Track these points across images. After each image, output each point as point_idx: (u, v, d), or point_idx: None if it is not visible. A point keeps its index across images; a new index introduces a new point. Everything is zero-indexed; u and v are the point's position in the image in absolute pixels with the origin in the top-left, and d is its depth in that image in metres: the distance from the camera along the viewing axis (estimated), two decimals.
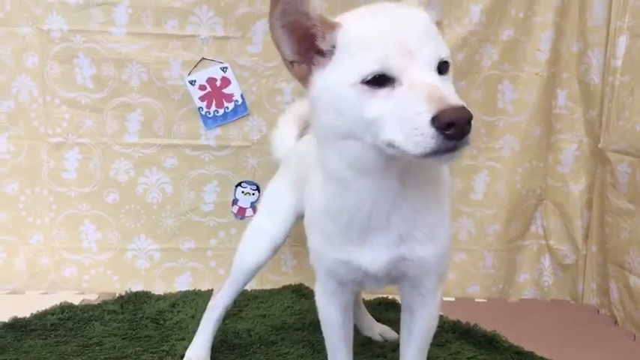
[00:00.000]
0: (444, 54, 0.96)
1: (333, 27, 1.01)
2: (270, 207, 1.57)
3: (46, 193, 2.17)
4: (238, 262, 1.58)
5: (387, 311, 1.93)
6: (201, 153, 2.17)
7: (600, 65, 2.12)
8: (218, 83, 2.14)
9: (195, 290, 2.15)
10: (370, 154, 0.98)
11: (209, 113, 2.15)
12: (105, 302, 1.99)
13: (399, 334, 1.32)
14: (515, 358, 1.67)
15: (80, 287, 2.20)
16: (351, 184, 1.05)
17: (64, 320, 1.82)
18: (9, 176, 2.15)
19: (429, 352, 1.65)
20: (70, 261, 2.21)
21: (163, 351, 1.65)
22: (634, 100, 1.94)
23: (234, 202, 2.22)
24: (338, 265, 1.16)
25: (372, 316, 1.85)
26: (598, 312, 2.17)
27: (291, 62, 1.04)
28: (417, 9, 1.02)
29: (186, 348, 1.61)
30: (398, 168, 1.01)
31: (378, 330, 1.80)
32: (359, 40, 0.97)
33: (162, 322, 1.86)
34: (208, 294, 1.72)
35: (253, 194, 2.20)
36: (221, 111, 2.15)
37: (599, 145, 2.11)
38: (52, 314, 1.86)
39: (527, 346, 1.72)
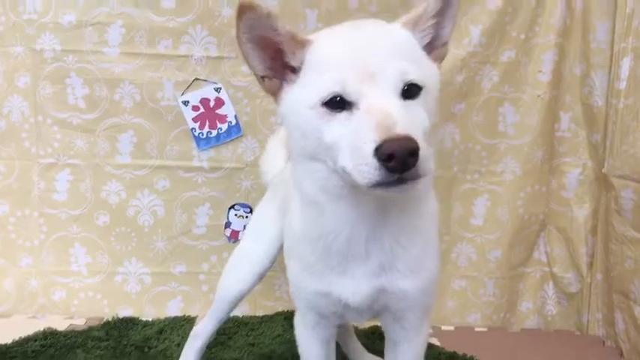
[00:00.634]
0: (413, 76, 0.91)
1: (302, 44, 0.97)
2: (256, 232, 1.53)
3: (36, 214, 2.14)
4: (221, 289, 1.53)
5: (381, 341, 1.83)
6: (194, 175, 2.14)
7: (604, 87, 2.07)
8: (212, 104, 2.10)
9: (184, 316, 2.10)
10: (335, 178, 0.94)
11: (202, 134, 2.12)
12: (90, 328, 1.95)
13: None
14: None
15: (69, 311, 2.16)
16: (326, 208, 1.01)
17: (46, 347, 1.78)
18: None
19: None
20: (59, 284, 2.17)
21: None
22: (638, 124, 1.87)
23: (227, 225, 2.17)
24: (318, 296, 1.11)
25: (365, 345, 1.78)
26: (604, 344, 2.09)
27: (262, 77, 1.01)
28: (396, 27, 0.98)
29: None
30: (374, 195, 0.96)
31: None
32: (323, 60, 0.94)
33: (146, 349, 1.81)
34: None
35: (246, 217, 2.15)
36: (214, 132, 2.12)
37: (603, 170, 2.04)
38: (35, 340, 1.82)
39: None
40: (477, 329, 2.20)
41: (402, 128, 0.82)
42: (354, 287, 1.06)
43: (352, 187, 0.94)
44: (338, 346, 1.49)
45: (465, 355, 1.81)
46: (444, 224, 2.18)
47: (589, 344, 2.09)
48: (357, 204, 0.98)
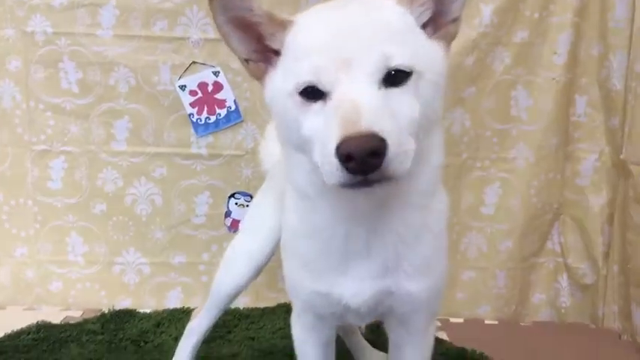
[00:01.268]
0: (398, 61, 0.81)
1: (282, 25, 0.90)
2: (253, 224, 1.46)
3: (31, 203, 2.09)
4: (217, 284, 1.46)
5: (386, 336, 1.79)
6: (193, 162, 2.08)
7: (622, 70, 1.98)
8: (210, 88, 2.04)
9: (183, 308, 2.05)
10: (318, 172, 0.85)
11: (200, 120, 2.05)
12: (85, 321, 1.90)
13: None
14: None
15: (66, 302, 2.12)
16: (318, 202, 0.93)
17: (39, 341, 1.73)
18: None
19: None
20: (55, 275, 2.13)
21: None
22: None
23: (228, 214, 2.11)
24: (316, 297, 1.03)
25: (370, 341, 1.71)
26: (620, 337, 2.02)
27: (246, 60, 0.95)
28: (389, 4, 0.88)
29: None
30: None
31: (378, 359, 1.65)
32: (300, 45, 0.86)
33: (142, 344, 1.76)
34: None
35: (247, 206, 2.08)
36: (213, 118, 2.06)
37: (621, 157, 1.96)
38: (28, 334, 1.77)
39: None
40: (486, 322, 2.15)
41: (366, 124, 0.73)
42: (355, 288, 0.98)
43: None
44: (341, 341, 1.43)
45: (474, 351, 1.74)
46: (454, 213, 2.11)
47: (604, 338, 2.03)
48: (352, 199, 0.90)
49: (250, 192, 2.07)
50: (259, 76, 0.95)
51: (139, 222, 2.11)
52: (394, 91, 0.80)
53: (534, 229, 2.14)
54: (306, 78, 0.82)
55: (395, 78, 0.81)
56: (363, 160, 0.73)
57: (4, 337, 1.74)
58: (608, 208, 2.06)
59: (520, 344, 1.95)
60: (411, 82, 0.82)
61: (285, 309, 1.99)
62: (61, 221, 2.10)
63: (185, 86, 2.03)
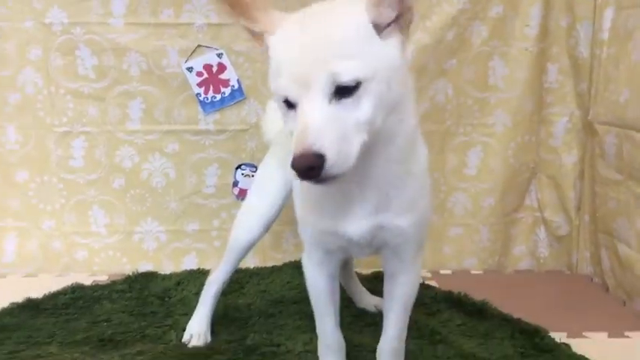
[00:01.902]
0: (345, 78, 0.96)
1: (265, 28, 1.06)
2: (261, 187, 1.64)
3: (55, 180, 2.26)
4: (232, 240, 1.66)
5: (381, 283, 1.99)
6: (201, 137, 2.25)
7: (588, 38, 2.15)
8: (214, 69, 2.20)
9: (199, 269, 2.23)
10: None
11: (207, 99, 2.22)
12: (114, 282, 2.09)
13: None
14: (503, 324, 1.74)
15: (91, 269, 2.29)
16: None
17: (75, 299, 1.92)
18: (19, 165, 2.24)
19: (421, 320, 1.75)
20: (80, 244, 2.30)
21: (167, 325, 1.74)
22: (619, 73, 1.97)
23: (235, 184, 2.29)
24: (324, 234, 1.22)
25: (368, 288, 1.92)
26: (592, 280, 2.22)
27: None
28: (352, 12, 1.01)
29: (188, 322, 1.70)
30: None
31: (373, 302, 1.87)
32: (276, 60, 1.03)
33: (167, 299, 1.95)
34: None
35: (253, 176, 2.25)
36: (218, 96, 2.22)
37: (589, 118, 2.15)
38: (64, 294, 1.96)
39: (519, 315, 1.78)
40: (472, 272, 2.34)
41: (308, 144, 0.92)
42: (355, 225, 1.17)
43: None
44: (342, 289, 1.63)
45: (459, 293, 1.95)
46: (441, 175, 2.30)
47: (578, 282, 2.23)
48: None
49: (255, 163, 2.24)
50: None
51: (154, 194, 2.28)
52: (345, 102, 0.97)
53: (513, 187, 2.32)
54: (281, 93, 1.01)
55: (345, 90, 0.97)
56: (304, 173, 0.94)
57: (44, 297, 1.93)
58: (579, 165, 2.25)
59: (503, 290, 2.11)
60: (360, 90, 0.98)
61: (291, 266, 2.20)
62: (84, 196, 2.27)
63: (192, 68, 2.20)
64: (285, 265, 2.25)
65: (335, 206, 1.18)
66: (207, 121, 2.24)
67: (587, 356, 1.55)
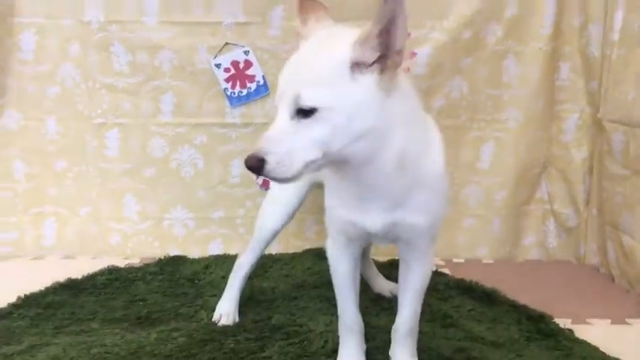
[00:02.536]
0: (305, 102, 1.10)
1: (302, 36, 1.24)
2: None
3: (92, 169, 2.40)
4: (259, 227, 1.79)
5: (397, 270, 2.11)
6: (228, 130, 2.37)
7: (600, 38, 2.23)
8: (241, 66, 2.32)
9: (225, 254, 2.36)
10: None
11: (234, 93, 2.34)
12: (147, 265, 2.23)
13: None
14: (511, 310, 1.85)
15: (124, 253, 2.43)
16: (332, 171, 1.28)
17: (112, 280, 2.07)
18: (58, 155, 2.39)
19: (434, 304, 1.87)
20: (114, 230, 2.44)
21: (198, 305, 1.88)
22: (628, 73, 2.06)
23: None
24: (347, 224, 1.35)
25: (384, 274, 2.04)
26: (598, 271, 2.31)
27: None
28: (337, 47, 1.14)
29: (217, 303, 1.83)
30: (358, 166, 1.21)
31: (388, 287, 1.99)
32: None
33: (196, 281, 2.09)
34: (237, 257, 1.90)
35: None
36: (245, 91, 2.34)
37: (598, 115, 2.24)
38: (101, 275, 2.11)
39: (527, 302, 1.88)
40: (484, 261, 2.44)
41: (257, 148, 1.12)
42: (371, 219, 1.30)
43: (335, 164, 1.21)
44: (360, 276, 1.74)
45: (470, 281, 2.06)
46: (455, 169, 2.39)
47: (585, 272, 2.33)
48: (351, 172, 1.23)
49: None
50: None
51: (183, 183, 2.41)
52: (303, 122, 1.12)
53: (525, 181, 2.42)
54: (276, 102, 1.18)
55: (304, 112, 1.12)
56: (249, 169, 1.12)
57: (83, 278, 2.08)
58: (588, 161, 2.34)
59: (512, 278, 2.21)
60: (317, 115, 1.11)
61: (312, 253, 2.33)
62: (118, 184, 2.40)
63: (220, 64, 2.32)
64: (305, 251, 2.38)
65: (355, 201, 1.30)
66: (234, 115, 2.36)
67: (588, 341, 1.66)
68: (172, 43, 2.29)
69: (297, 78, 1.14)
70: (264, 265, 2.20)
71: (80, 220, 2.44)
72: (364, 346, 1.50)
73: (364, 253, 1.93)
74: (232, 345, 1.58)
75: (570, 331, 1.72)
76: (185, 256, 2.33)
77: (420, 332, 1.50)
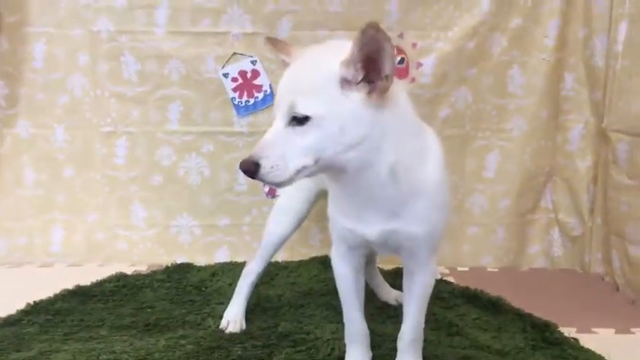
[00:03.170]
0: (299, 110, 1.15)
1: (290, 60, 1.30)
2: (293, 186, 1.75)
3: (99, 176, 2.42)
4: (267, 234, 1.81)
5: (401, 278, 2.12)
6: (235, 139, 2.39)
7: (604, 50, 2.26)
8: (248, 75, 2.35)
9: (232, 262, 2.37)
10: None
11: (241, 103, 2.37)
12: (154, 272, 2.25)
13: None
14: (516, 318, 1.86)
15: (131, 260, 2.44)
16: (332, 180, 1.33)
17: (120, 287, 2.09)
18: (66, 162, 2.41)
19: (439, 313, 1.89)
20: (121, 237, 2.46)
21: (205, 312, 1.89)
22: (632, 84, 2.08)
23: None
24: (346, 232, 1.38)
25: (390, 283, 2.06)
26: (603, 280, 2.32)
27: None
28: (327, 62, 1.18)
29: (225, 310, 1.84)
30: (355, 175, 1.24)
31: (393, 295, 2.01)
32: None
33: (203, 289, 2.11)
34: (243, 265, 1.92)
35: None
36: (252, 100, 2.37)
37: (602, 125, 2.26)
38: (109, 282, 2.13)
39: (532, 310, 1.89)
40: (488, 269, 2.45)
41: (252, 153, 1.17)
42: (370, 228, 1.33)
43: (332, 172, 1.26)
44: (366, 284, 1.75)
45: (475, 289, 2.07)
46: (460, 177, 2.42)
47: (590, 281, 2.34)
48: (348, 181, 1.26)
49: None
50: None
51: (190, 191, 2.43)
52: (297, 129, 1.16)
53: (529, 190, 2.44)
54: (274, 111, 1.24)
55: (299, 120, 1.16)
56: (244, 173, 1.17)
57: (91, 285, 2.10)
58: (592, 170, 2.36)
59: (517, 287, 2.23)
60: (310, 123, 1.15)
61: (318, 261, 2.35)
62: (125, 191, 2.42)
63: (228, 74, 2.34)
64: (311, 259, 2.39)
65: (356, 210, 1.33)
66: (241, 124, 2.39)
67: (593, 350, 1.67)
68: (181, 52, 2.32)
69: (293, 88, 1.20)
70: (271, 272, 2.21)
71: (88, 227, 2.46)
72: (370, 354, 1.52)
73: (370, 262, 1.95)
74: (240, 352, 1.60)
75: (575, 339, 1.73)
76: (192, 264, 2.35)
77: (426, 340, 1.51)
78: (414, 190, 1.29)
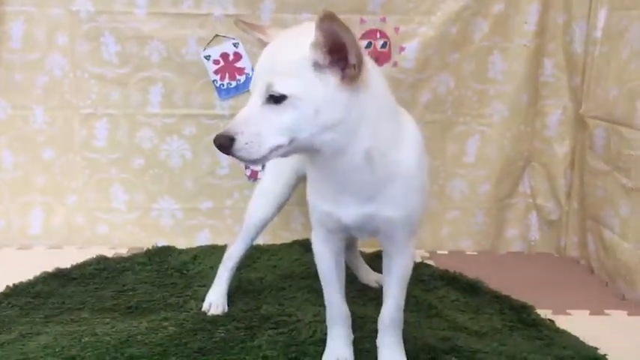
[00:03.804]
0: (276, 88, 1.15)
1: (268, 40, 1.30)
2: (275, 170, 1.79)
3: (79, 159, 2.40)
4: (248, 218, 1.82)
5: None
6: (217, 122, 2.37)
7: (583, 36, 2.28)
8: (231, 58, 2.34)
9: (213, 245, 2.37)
10: None
11: (223, 85, 2.36)
12: (135, 255, 2.24)
13: None
14: (493, 300, 1.90)
15: (112, 243, 2.43)
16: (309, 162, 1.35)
17: (100, 270, 2.08)
18: (46, 144, 2.38)
19: (419, 295, 1.92)
20: (102, 219, 2.45)
21: (187, 295, 1.90)
22: (610, 70, 2.11)
23: (247, 165, 2.41)
24: (324, 215, 1.39)
25: (370, 266, 2.08)
26: (578, 263, 2.37)
27: None
28: (301, 43, 1.18)
29: (207, 293, 1.85)
30: (332, 157, 1.25)
31: (374, 278, 2.03)
32: None
33: (185, 272, 2.11)
34: (225, 248, 1.93)
35: None
36: (234, 83, 2.36)
37: (580, 112, 2.29)
38: (90, 265, 2.12)
39: (509, 293, 1.93)
40: (467, 253, 2.49)
41: (228, 128, 1.18)
42: (347, 212, 1.34)
43: (308, 154, 1.29)
44: (347, 267, 1.77)
45: (454, 272, 2.11)
46: (441, 162, 2.44)
47: (566, 264, 2.39)
48: (324, 164, 1.28)
49: None
50: None
51: (171, 174, 2.42)
52: (273, 107, 1.17)
53: (508, 175, 2.48)
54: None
55: (275, 99, 1.17)
56: (218, 147, 1.18)
57: (72, 267, 2.09)
58: (570, 155, 2.39)
59: (495, 269, 2.25)
60: (286, 102, 1.16)
61: (299, 244, 2.36)
62: (106, 174, 2.40)
63: (209, 56, 2.32)
64: (293, 242, 2.40)
65: (332, 194, 1.34)
66: (223, 107, 2.37)
67: (568, 331, 1.71)
68: (162, 34, 2.30)
69: (270, 67, 1.20)
70: (252, 256, 2.21)
71: (67, 210, 2.44)
72: (352, 336, 1.53)
73: (351, 245, 1.97)
74: (222, 334, 1.61)
75: (551, 321, 1.78)
76: (173, 247, 2.34)
77: (406, 322, 1.53)
78: (389, 174, 1.30)
